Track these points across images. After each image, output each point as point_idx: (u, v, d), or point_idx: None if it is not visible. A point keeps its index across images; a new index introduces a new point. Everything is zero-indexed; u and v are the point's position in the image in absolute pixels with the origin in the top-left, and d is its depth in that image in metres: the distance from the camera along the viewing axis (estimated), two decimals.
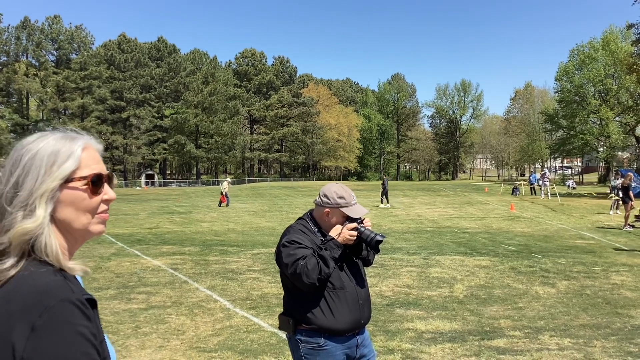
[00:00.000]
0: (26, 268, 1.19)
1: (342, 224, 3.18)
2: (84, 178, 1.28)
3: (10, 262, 1.19)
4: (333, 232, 3.12)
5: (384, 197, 29.79)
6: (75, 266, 1.27)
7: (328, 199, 3.21)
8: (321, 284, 3.06)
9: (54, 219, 1.25)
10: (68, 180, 1.26)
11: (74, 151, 1.28)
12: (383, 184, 30.23)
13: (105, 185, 1.34)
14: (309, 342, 3.11)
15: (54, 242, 1.23)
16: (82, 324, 1.13)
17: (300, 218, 3.38)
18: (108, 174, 1.36)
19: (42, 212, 1.22)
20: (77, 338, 1.11)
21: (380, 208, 28.02)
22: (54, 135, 1.31)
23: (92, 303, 1.21)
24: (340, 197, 3.19)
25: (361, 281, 3.27)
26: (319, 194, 3.31)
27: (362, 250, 3.31)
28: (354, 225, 3.11)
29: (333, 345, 3.11)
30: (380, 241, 3.11)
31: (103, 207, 1.33)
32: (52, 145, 1.27)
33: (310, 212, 3.37)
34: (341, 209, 3.18)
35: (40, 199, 1.22)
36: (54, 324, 1.10)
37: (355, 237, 3.11)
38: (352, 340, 3.19)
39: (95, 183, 1.30)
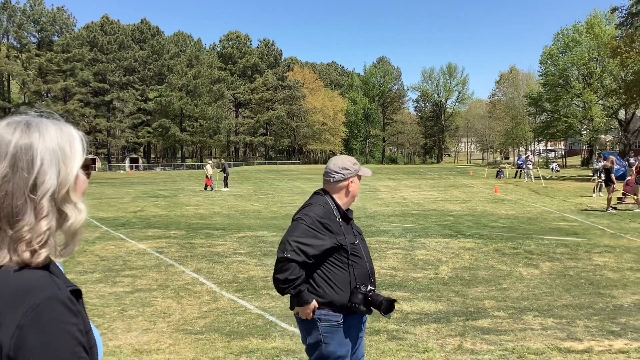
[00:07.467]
0: (10, 261, 1.14)
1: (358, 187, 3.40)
2: None
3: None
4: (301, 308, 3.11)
5: (225, 182, 31.21)
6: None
7: (348, 169, 3.30)
8: (342, 257, 3.14)
9: None
10: None
11: None
12: (224, 169, 31.82)
13: None
14: (329, 321, 3.11)
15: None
16: (69, 321, 1.11)
17: (318, 196, 3.33)
18: None
19: None
20: (64, 337, 1.09)
21: (223, 192, 28.83)
22: None
23: (77, 294, 1.18)
24: (354, 164, 3.36)
25: (369, 257, 3.36)
26: (332, 171, 3.30)
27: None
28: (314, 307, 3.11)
29: (351, 322, 3.16)
30: (389, 307, 3.11)
31: None
32: None
33: (324, 191, 3.33)
34: (358, 173, 3.35)
35: None
36: (40, 322, 1.07)
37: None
38: (365, 315, 3.28)
39: None
